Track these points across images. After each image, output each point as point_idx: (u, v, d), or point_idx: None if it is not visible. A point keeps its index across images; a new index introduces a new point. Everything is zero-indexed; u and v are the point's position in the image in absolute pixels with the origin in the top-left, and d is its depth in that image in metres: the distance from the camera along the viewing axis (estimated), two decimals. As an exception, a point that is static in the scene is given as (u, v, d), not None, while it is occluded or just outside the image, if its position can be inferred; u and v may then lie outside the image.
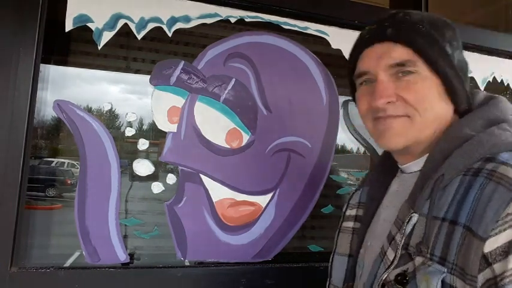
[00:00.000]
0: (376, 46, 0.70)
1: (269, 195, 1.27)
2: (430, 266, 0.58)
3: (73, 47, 1.22)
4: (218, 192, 1.22)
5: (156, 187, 1.19)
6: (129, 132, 1.19)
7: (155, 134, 1.23)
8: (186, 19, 1.20)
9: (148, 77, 1.18)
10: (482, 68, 1.57)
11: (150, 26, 1.17)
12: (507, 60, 1.61)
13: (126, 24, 1.15)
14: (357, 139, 1.41)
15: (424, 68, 0.67)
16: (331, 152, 1.34)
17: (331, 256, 0.89)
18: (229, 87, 1.24)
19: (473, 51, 1.55)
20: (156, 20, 1.18)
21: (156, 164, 1.20)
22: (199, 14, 1.21)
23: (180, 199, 1.19)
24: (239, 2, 1.25)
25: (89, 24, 1.12)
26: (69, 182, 1.34)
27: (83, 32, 1.12)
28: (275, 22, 1.30)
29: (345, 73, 0.82)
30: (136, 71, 1.32)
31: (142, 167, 1.19)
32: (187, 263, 1.19)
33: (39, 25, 1.06)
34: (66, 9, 1.10)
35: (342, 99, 1.37)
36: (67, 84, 1.22)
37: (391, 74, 0.68)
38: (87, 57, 1.23)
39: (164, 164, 1.22)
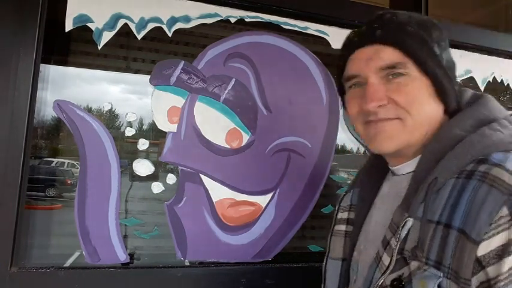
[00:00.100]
0: (365, 48, 0.69)
1: (269, 195, 1.27)
2: (425, 271, 0.58)
3: (73, 47, 1.22)
4: (218, 192, 1.22)
5: (156, 187, 1.19)
6: (129, 132, 1.19)
7: (155, 134, 1.23)
8: (186, 19, 1.20)
9: (148, 77, 1.18)
10: (482, 68, 1.57)
11: (150, 26, 1.17)
12: (507, 60, 1.61)
13: (126, 24, 1.15)
14: (356, 139, 1.41)
15: (414, 70, 0.67)
16: (331, 152, 1.34)
17: (325, 261, 0.88)
18: (229, 87, 1.24)
19: (473, 51, 1.55)
20: (156, 20, 1.18)
21: (156, 164, 1.20)
22: (199, 14, 1.21)
23: (180, 199, 1.19)
24: (239, 2, 1.25)
25: (89, 24, 1.12)
26: (69, 182, 1.34)
27: (83, 32, 1.12)
28: (275, 22, 1.30)
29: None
30: (136, 71, 1.32)
31: (142, 167, 1.19)
32: (187, 263, 1.19)
33: (39, 25, 1.06)
34: (66, 9, 1.10)
35: (342, 99, 1.37)
36: (67, 84, 1.22)
37: (381, 77, 0.67)
38: (87, 57, 1.23)
39: (164, 164, 1.22)
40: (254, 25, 1.29)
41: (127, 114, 1.20)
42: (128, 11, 1.15)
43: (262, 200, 1.26)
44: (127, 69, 1.30)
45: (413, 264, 0.60)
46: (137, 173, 1.19)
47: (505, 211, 0.52)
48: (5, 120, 1.02)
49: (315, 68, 1.34)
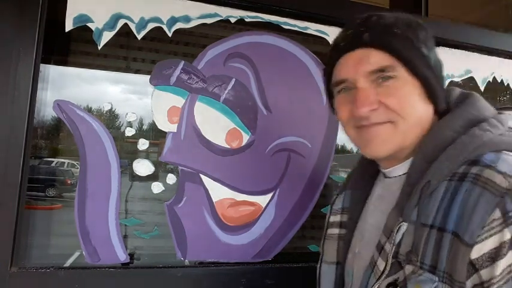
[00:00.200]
0: (353, 52, 0.68)
1: (269, 195, 1.27)
2: (420, 275, 0.58)
3: (73, 47, 1.22)
4: (218, 192, 1.22)
5: (156, 187, 1.19)
6: (129, 132, 1.19)
7: (155, 134, 1.23)
8: (186, 19, 1.20)
9: (148, 77, 1.18)
10: (482, 68, 1.57)
11: (150, 26, 1.17)
12: (507, 60, 1.61)
13: (126, 24, 1.15)
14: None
15: (404, 72, 0.66)
16: (331, 152, 1.34)
17: (319, 265, 0.88)
18: (229, 87, 1.24)
19: (473, 51, 1.55)
20: (156, 20, 1.18)
21: (156, 164, 1.20)
22: (199, 14, 1.21)
23: (180, 199, 1.19)
24: (239, 2, 1.25)
25: (89, 24, 1.12)
26: (69, 182, 1.34)
27: (83, 32, 1.12)
28: (275, 22, 1.30)
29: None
30: (136, 71, 1.32)
31: (142, 167, 1.19)
32: (187, 263, 1.19)
33: (39, 25, 1.06)
34: (66, 9, 1.10)
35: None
36: (67, 84, 1.22)
37: (371, 80, 0.67)
38: (87, 57, 1.23)
39: (164, 164, 1.22)
40: (254, 25, 1.29)
41: (127, 114, 1.20)
42: (127, 11, 1.15)
43: (262, 200, 1.26)
44: (127, 69, 1.30)
45: (408, 268, 0.60)
46: (137, 173, 1.19)
47: (497, 214, 0.52)
48: (5, 120, 1.02)
49: (315, 68, 1.34)
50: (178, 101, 1.20)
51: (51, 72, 1.18)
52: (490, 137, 0.62)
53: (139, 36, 1.16)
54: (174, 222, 1.17)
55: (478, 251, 0.53)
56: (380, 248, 0.66)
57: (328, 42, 1.35)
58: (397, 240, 0.62)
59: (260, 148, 1.26)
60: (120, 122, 1.24)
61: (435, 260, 0.57)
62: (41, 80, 1.10)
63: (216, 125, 1.22)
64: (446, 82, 1.51)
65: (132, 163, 1.18)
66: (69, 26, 1.10)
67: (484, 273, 0.52)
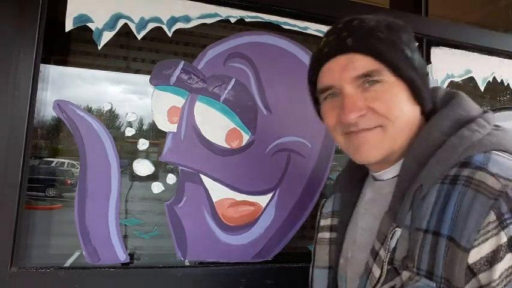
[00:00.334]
0: (337, 58, 0.68)
1: (269, 195, 1.27)
2: (417, 281, 0.57)
3: (73, 47, 1.22)
4: (218, 192, 1.22)
5: (156, 187, 1.19)
6: (129, 132, 1.19)
7: (155, 134, 1.23)
8: (186, 19, 1.20)
9: (148, 77, 1.18)
10: (482, 68, 1.57)
11: (150, 26, 1.17)
12: (507, 60, 1.61)
13: (126, 24, 1.15)
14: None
15: (389, 75, 0.66)
16: (331, 152, 1.34)
17: (311, 270, 0.87)
18: (229, 87, 1.24)
19: (473, 51, 1.55)
20: (156, 20, 1.18)
21: (156, 164, 1.20)
22: (199, 14, 1.21)
23: (180, 199, 1.19)
24: (239, 2, 1.25)
25: (89, 24, 1.12)
26: (69, 182, 1.34)
27: (83, 32, 1.12)
28: (275, 22, 1.30)
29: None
30: (136, 71, 1.32)
31: (142, 167, 1.19)
32: (187, 263, 1.19)
33: (39, 25, 1.06)
34: (66, 9, 1.10)
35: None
36: (67, 84, 1.22)
37: (357, 85, 0.66)
38: (87, 57, 1.23)
39: (164, 164, 1.22)
40: (254, 25, 1.29)
41: (127, 114, 1.20)
42: (128, 11, 1.15)
43: (262, 200, 1.26)
44: (127, 69, 1.30)
45: (405, 274, 0.59)
46: (137, 173, 1.19)
47: (492, 216, 0.52)
48: (5, 120, 1.02)
49: (315, 68, 1.33)
50: (178, 101, 1.20)
51: (51, 72, 1.18)
52: (478, 137, 0.62)
53: (139, 36, 1.16)
54: (174, 222, 1.17)
55: (475, 256, 0.52)
56: (375, 254, 0.65)
57: (328, 42, 1.35)
58: (392, 246, 0.61)
59: (260, 148, 1.26)
60: (120, 122, 1.24)
61: (431, 265, 0.56)
62: (41, 80, 1.10)
63: (216, 125, 1.22)
64: (447, 82, 1.51)
65: (132, 163, 1.19)
66: (69, 26, 1.10)
67: (483, 278, 0.52)
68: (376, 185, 0.76)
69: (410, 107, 0.68)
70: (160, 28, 1.18)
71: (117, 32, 1.14)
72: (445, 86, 1.50)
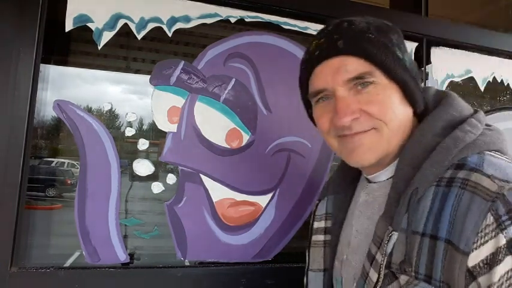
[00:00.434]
0: (328, 61, 0.67)
1: (269, 195, 1.27)
2: (416, 285, 0.57)
3: (73, 47, 1.22)
4: (218, 192, 1.22)
5: (156, 187, 1.19)
6: (129, 132, 1.19)
7: (155, 134, 1.23)
8: (186, 19, 1.20)
9: (148, 77, 1.18)
10: (482, 68, 1.57)
11: (150, 26, 1.17)
12: (507, 60, 1.61)
13: (126, 24, 1.15)
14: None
15: (382, 77, 0.65)
16: (331, 152, 1.34)
17: (305, 273, 0.87)
18: (229, 87, 1.24)
19: (473, 51, 1.55)
20: (156, 20, 1.18)
21: (156, 164, 1.20)
22: (199, 14, 1.21)
23: (180, 199, 1.19)
24: (239, 2, 1.25)
25: (89, 24, 1.12)
26: (69, 182, 1.34)
27: (83, 32, 1.12)
28: (275, 22, 1.30)
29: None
30: (136, 71, 1.32)
31: (142, 167, 1.19)
32: (187, 263, 1.19)
33: (39, 25, 1.06)
34: (66, 9, 1.10)
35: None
36: (67, 84, 1.22)
37: (350, 88, 0.66)
38: (87, 57, 1.23)
39: (164, 164, 1.22)
40: (254, 25, 1.29)
41: (127, 114, 1.20)
42: (128, 11, 1.15)
43: (262, 200, 1.26)
44: (127, 69, 1.30)
45: (403, 278, 0.59)
46: (137, 173, 1.19)
47: (490, 219, 0.52)
48: (5, 120, 1.02)
49: (315, 68, 1.33)
50: (178, 101, 1.20)
51: (51, 72, 1.18)
52: (472, 138, 0.62)
53: (139, 36, 1.16)
54: (174, 222, 1.17)
55: (474, 259, 0.52)
56: (371, 258, 0.64)
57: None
58: (389, 250, 0.61)
59: (260, 148, 1.26)
60: (120, 122, 1.24)
61: (430, 269, 0.56)
62: (41, 80, 1.10)
63: (216, 125, 1.22)
64: (447, 82, 1.51)
65: (132, 163, 1.19)
66: (69, 26, 1.10)
67: (483, 281, 0.51)
68: (369, 187, 0.76)
69: (403, 108, 0.68)
70: (160, 28, 1.18)
71: (117, 32, 1.14)
72: (445, 86, 1.50)
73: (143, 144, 1.19)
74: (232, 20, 1.25)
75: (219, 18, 1.23)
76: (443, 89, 1.49)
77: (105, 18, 1.13)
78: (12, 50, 1.03)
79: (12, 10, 1.04)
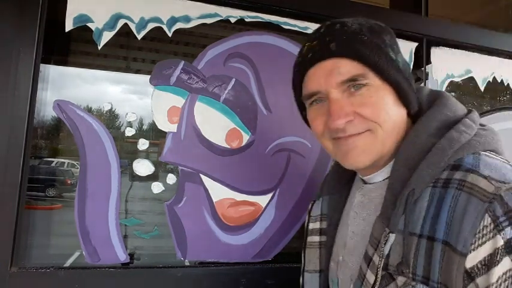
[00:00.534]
0: (321, 64, 0.67)
1: (269, 195, 1.27)
2: (414, 287, 0.57)
3: (73, 47, 1.22)
4: (218, 192, 1.22)
5: (156, 187, 1.19)
6: (129, 132, 1.19)
7: (155, 134, 1.23)
8: (186, 19, 1.20)
9: (148, 77, 1.18)
10: (482, 68, 1.57)
11: (150, 26, 1.17)
12: (507, 60, 1.61)
13: (126, 24, 1.15)
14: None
15: (375, 79, 0.65)
16: (331, 152, 1.34)
17: (301, 274, 0.87)
18: (229, 87, 1.24)
19: (473, 51, 1.55)
20: (156, 20, 1.18)
21: (156, 164, 1.20)
22: (199, 14, 1.21)
23: (180, 199, 1.19)
24: (239, 2, 1.25)
25: (89, 24, 1.12)
26: (69, 182, 1.34)
27: (83, 32, 1.12)
28: (275, 22, 1.30)
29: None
30: (137, 71, 1.32)
31: (142, 167, 1.19)
32: (187, 263, 1.19)
33: (39, 25, 1.06)
34: (66, 9, 1.10)
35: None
36: (67, 84, 1.22)
37: (343, 90, 0.65)
38: (87, 57, 1.23)
39: (164, 164, 1.22)
40: (254, 25, 1.29)
41: (127, 114, 1.20)
42: (128, 11, 1.15)
43: (262, 200, 1.26)
44: (127, 69, 1.30)
45: (400, 280, 0.59)
46: (137, 173, 1.19)
47: (487, 220, 0.52)
48: (5, 120, 1.02)
49: (315, 68, 1.33)
50: (178, 101, 1.20)
51: (51, 72, 1.18)
52: (467, 138, 0.62)
53: (139, 36, 1.16)
54: (174, 222, 1.17)
55: (472, 260, 0.52)
56: (368, 260, 0.64)
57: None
58: (386, 251, 0.61)
59: (260, 148, 1.26)
60: (120, 122, 1.24)
61: (427, 270, 0.56)
62: (41, 80, 1.10)
63: (216, 125, 1.22)
64: (447, 82, 1.51)
65: (132, 163, 1.19)
66: (69, 26, 1.10)
67: (480, 282, 0.51)
68: (365, 188, 0.76)
69: (397, 109, 0.67)
70: (160, 28, 1.18)
71: (117, 32, 1.14)
72: (445, 86, 1.50)
73: (143, 144, 1.19)
74: (232, 20, 1.25)
75: (219, 18, 1.23)
76: (443, 89, 1.49)
77: (105, 18, 1.13)
78: (12, 50, 1.03)
79: (12, 10, 1.04)
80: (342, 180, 0.83)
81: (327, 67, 0.66)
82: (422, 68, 1.46)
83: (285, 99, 1.30)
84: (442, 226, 0.56)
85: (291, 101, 1.30)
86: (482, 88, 1.56)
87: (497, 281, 0.50)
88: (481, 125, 0.67)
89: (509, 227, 0.51)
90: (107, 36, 1.13)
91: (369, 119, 0.65)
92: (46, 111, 1.14)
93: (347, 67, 0.65)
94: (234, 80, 1.25)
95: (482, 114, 1.58)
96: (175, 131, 1.19)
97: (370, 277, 0.63)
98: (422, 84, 1.46)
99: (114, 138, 1.15)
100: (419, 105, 0.70)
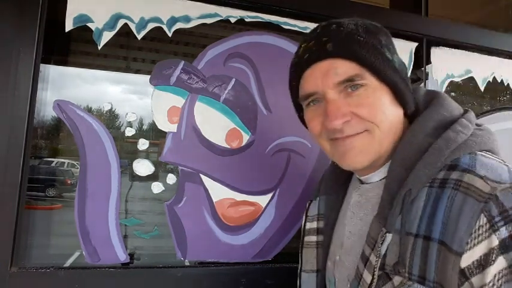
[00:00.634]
0: (318, 64, 0.67)
1: (269, 195, 1.27)
2: (410, 286, 0.57)
3: (73, 47, 1.22)
4: (218, 192, 1.22)
5: (156, 187, 1.19)
6: (129, 132, 1.19)
7: (155, 134, 1.23)
8: (186, 19, 1.20)
9: (148, 77, 1.18)
10: (482, 68, 1.57)
11: (150, 26, 1.17)
12: (507, 60, 1.61)
13: (126, 24, 1.15)
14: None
15: (372, 79, 0.65)
16: (331, 152, 1.34)
17: (298, 274, 0.87)
18: (229, 87, 1.24)
19: (473, 51, 1.55)
20: (156, 20, 1.18)
21: (156, 164, 1.20)
22: (199, 14, 1.21)
23: (180, 199, 1.19)
24: (239, 2, 1.25)
25: (89, 24, 1.12)
26: (69, 182, 1.34)
27: (83, 32, 1.12)
28: (275, 22, 1.30)
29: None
30: (137, 71, 1.32)
31: (142, 167, 1.19)
32: (187, 263, 1.19)
33: (39, 25, 1.06)
34: (66, 9, 1.10)
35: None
36: (67, 84, 1.22)
37: (340, 91, 0.65)
38: (87, 57, 1.23)
39: (164, 164, 1.22)
40: (254, 25, 1.29)
41: (127, 114, 1.20)
42: (128, 11, 1.15)
43: (262, 200, 1.26)
44: (127, 69, 1.30)
45: (397, 279, 0.59)
46: (137, 173, 1.19)
47: (483, 220, 0.52)
48: (5, 120, 1.02)
49: (315, 68, 1.33)
50: (178, 101, 1.20)
51: (51, 72, 1.18)
52: (463, 138, 0.62)
53: (139, 36, 1.16)
54: (174, 222, 1.17)
55: (467, 259, 0.52)
56: (365, 260, 0.64)
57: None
58: (383, 251, 0.61)
59: (260, 148, 1.26)
60: (120, 122, 1.24)
61: (423, 270, 0.56)
62: (41, 80, 1.10)
63: (216, 125, 1.22)
64: (447, 82, 1.51)
65: (132, 163, 1.19)
66: (69, 26, 1.10)
67: (475, 281, 0.52)
68: (362, 188, 0.76)
69: (394, 109, 0.67)
70: (160, 28, 1.18)
71: (117, 32, 1.14)
72: (445, 86, 1.50)
73: (143, 144, 1.19)
74: (232, 20, 1.25)
75: (219, 18, 1.23)
76: (443, 89, 1.49)
77: (105, 18, 1.13)
78: (12, 50, 1.03)
79: (12, 10, 1.04)
80: (339, 181, 0.84)
81: (324, 68, 0.66)
82: (422, 68, 1.46)
83: (285, 99, 1.29)
84: (438, 226, 0.56)
85: (290, 101, 1.31)
86: (482, 88, 1.56)
87: (491, 281, 0.51)
88: (477, 125, 0.67)
89: (504, 227, 0.51)
90: (107, 36, 1.13)
91: (366, 120, 0.65)
92: (46, 111, 1.14)
93: (343, 68, 0.65)
94: (234, 80, 1.25)
95: (482, 114, 1.58)
96: (175, 131, 1.19)
97: (367, 277, 0.63)
98: (422, 85, 1.46)
99: (114, 138, 1.15)
100: (416, 106, 0.71)
